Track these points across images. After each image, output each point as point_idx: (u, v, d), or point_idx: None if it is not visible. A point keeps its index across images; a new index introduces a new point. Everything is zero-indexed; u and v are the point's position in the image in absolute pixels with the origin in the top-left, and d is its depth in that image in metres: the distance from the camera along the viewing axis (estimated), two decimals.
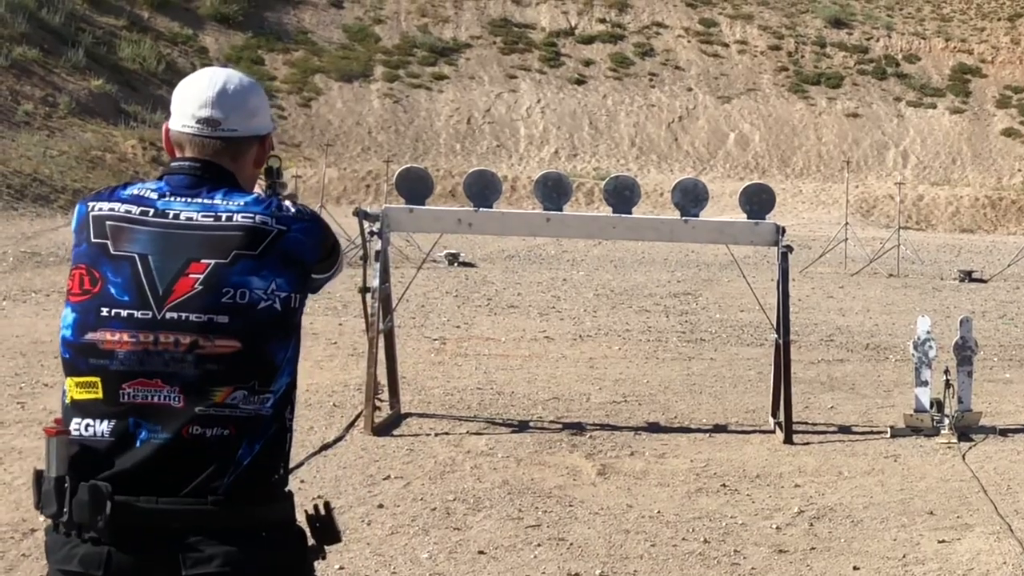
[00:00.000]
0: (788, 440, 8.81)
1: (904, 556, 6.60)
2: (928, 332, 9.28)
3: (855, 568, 6.42)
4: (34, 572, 6.00)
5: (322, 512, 2.99)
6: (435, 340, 12.36)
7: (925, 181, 36.59)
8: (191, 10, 39.50)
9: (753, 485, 7.82)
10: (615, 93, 40.12)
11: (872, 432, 9.27)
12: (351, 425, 8.41)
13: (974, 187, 35.92)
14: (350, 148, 35.86)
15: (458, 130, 37.75)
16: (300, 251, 3.00)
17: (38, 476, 2.86)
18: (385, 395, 9.23)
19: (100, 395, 2.89)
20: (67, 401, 2.92)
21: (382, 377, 9.18)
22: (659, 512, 7.22)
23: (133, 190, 3.04)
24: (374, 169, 27.45)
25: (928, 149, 38.97)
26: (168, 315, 2.88)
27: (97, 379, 2.90)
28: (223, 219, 2.96)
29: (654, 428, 9.24)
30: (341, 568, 6.12)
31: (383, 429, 8.83)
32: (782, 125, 39.49)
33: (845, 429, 9.38)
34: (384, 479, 7.67)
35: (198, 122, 3.04)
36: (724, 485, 7.79)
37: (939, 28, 44.44)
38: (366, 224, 9.07)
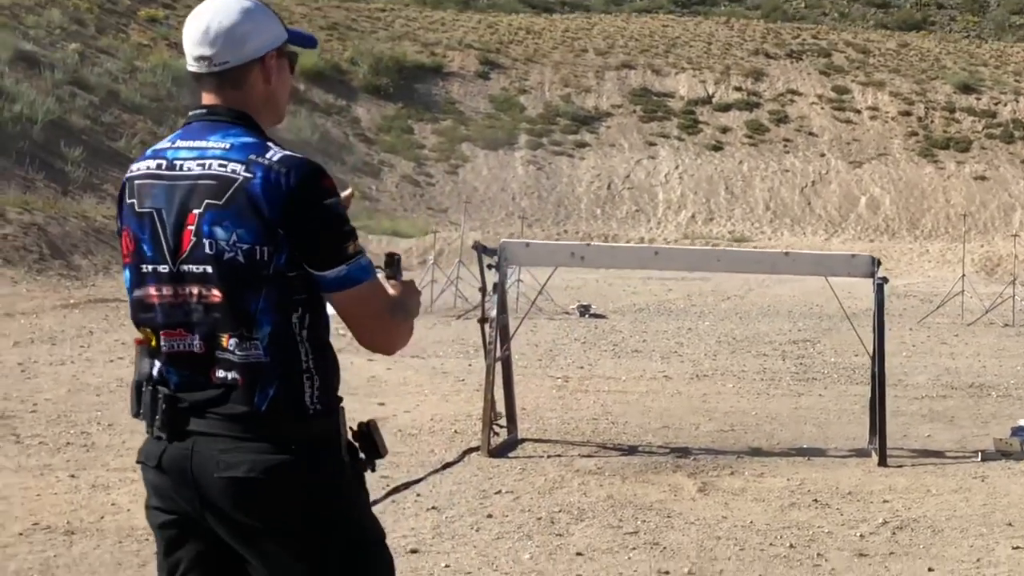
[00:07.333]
0: (882, 462, 9.14)
1: (978, 560, 6.91)
2: None
3: (930, 570, 6.73)
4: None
5: (365, 429, 3.15)
6: (558, 379, 12.84)
7: None
8: (345, 82, 40.86)
9: (844, 500, 8.13)
10: (750, 159, 40.45)
11: (963, 456, 9.58)
12: (469, 450, 8.95)
13: None
14: (495, 213, 36.69)
15: (598, 195, 38.38)
16: (258, 200, 2.94)
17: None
18: (503, 421, 9.64)
19: (153, 344, 3.13)
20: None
21: (501, 406, 9.58)
22: (751, 522, 7.57)
23: (158, 144, 3.16)
24: (516, 232, 28.14)
25: None
26: (183, 267, 3.02)
27: (149, 331, 3.13)
28: (205, 167, 3.00)
29: (756, 452, 9.60)
30: (447, 567, 6.52)
31: (499, 452, 9.23)
32: (912, 188, 39.36)
33: (938, 453, 9.67)
34: (495, 493, 8.07)
35: (194, 60, 3.10)
36: (816, 500, 8.13)
37: None
38: (485, 258, 9.66)
